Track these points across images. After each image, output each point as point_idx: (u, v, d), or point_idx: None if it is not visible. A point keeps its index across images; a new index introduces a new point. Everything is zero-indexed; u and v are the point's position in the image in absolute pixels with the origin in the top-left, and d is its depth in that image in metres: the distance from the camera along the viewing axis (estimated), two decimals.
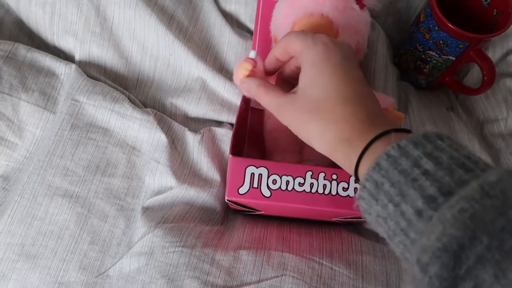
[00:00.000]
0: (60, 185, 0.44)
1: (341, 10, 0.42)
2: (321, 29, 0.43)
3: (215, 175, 0.46)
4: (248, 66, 0.39)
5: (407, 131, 0.28)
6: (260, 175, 0.36)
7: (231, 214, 0.48)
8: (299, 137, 0.33)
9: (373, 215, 0.27)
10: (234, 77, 0.42)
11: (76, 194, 0.44)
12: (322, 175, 0.37)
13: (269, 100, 0.35)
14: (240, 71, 0.40)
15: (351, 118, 0.30)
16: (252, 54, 0.39)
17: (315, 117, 0.31)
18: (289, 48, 0.35)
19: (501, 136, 0.50)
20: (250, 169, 0.37)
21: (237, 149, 0.46)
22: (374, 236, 0.45)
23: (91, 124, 0.46)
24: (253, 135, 0.49)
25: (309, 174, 0.37)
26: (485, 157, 0.48)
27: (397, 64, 0.56)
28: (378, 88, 0.51)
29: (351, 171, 0.30)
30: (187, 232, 0.41)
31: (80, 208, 0.43)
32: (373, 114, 0.30)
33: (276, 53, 0.37)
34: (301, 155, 0.45)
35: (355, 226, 0.47)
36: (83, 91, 0.47)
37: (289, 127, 0.34)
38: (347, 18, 0.42)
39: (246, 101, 0.47)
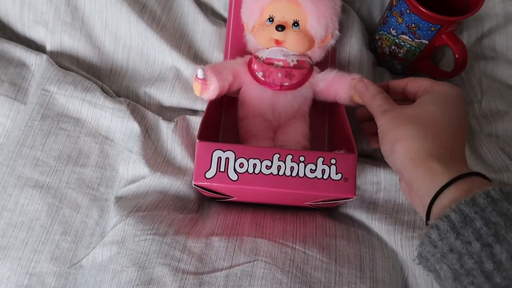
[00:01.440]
0: (30, 175, 0.43)
1: None
2: (289, 13, 0.43)
3: (189, 163, 0.46)
4: (197, 89, 0.42)
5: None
6: (227, 159, 0.36)
7: (206, 202, 0.47)
8: (387, 131, 0.35)
9: (442, 248, 0.27)
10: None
11: (47, 185, 0.43)
12: (289, 157, 0.36)
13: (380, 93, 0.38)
14: (195, 89, 0.42)
15: (453, 147, 0.32)
16: (200, 73, 0.40)
17: (419, 124, 0.33)
18: (416, 81, 0.39)
19: (475, 118, 0.50)
20: (217, 153, 0.36)
21: (211, 139, 0.46)
22: (349, 220, 0.45)
23: (62, 114, 0.46)
24: (229, 123, 0.49)
25: (276, 156, 0.36)
26: None
27: (373, 49, 0.56)
28: (353, 73, 0.50)
29: (428, 190, 0.30)
30: (159, 220, 0.41)
31: (52, 199, 0.43)
32: (465, 157, 0.34)
33: (395, 83, 0.41)
34: (274, 141, 0.45)
35: (331, 211, 0.47)
36: (53, 81, 0.46)
37: (381, 121, 0.36)
38: (315, 2, 0.42)
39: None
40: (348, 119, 0.43)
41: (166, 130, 0.47)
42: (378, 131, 0.36)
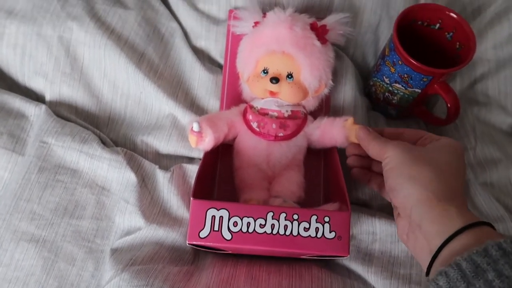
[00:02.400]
0: (26, 229, 0.43)
1: (302, 47, 0.43)
2: (283, 66, 0.44)
3: (185, 213, 0.46)
4: (193, 141, 0.43)
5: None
6: (221, 217, 0.36)
7: (202, 252, 0.47)
8: (400, 164, 0.35)
9: None
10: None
11: (43, 238, 0.43)
12: (283, 215, 0.37)
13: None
14: (190, 141, 0.43)
15: (462, 193, 0.34)
16: (195, 126, 0.41)
17: (436, 167, 0.34)
18: (414, 131, 0.41)
19: (470, 166, 0.51)
20: (211, 212, 0.37)
21: (206, 189, 0.46)
22: (345, 271, 0.45)
23: (59, 166, 0.46)
24: (225, 171, 0.49)
25: (270, 215, 0.37)
26: None
27: (367, 94, 0.56)
28: None
29: (440, 232, 0.31)
30: (154, 274, 0.41)
31: (47, 253, 0.43)
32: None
33: (391, 130, 0.43)
34: (269, 192, 0.45)
35: (327, 262, 0.46)
36: (51, 132, 0.47)
37: (390, 152, 0.36)
38: (308, 54, 0.43)
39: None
40: (341, 169, 0.43)
41: (163, 180, 0.47)
42: (385, 163, 0.36)
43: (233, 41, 0.53)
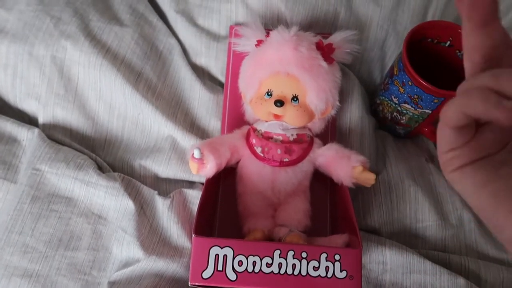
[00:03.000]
0: (18, 264, 0.41)
1: (308, 69, 0.41)
2: (288, 88, 0.42)
3: (185, 243, 0.44)
4: (194, 168, 0.41)
5: None
6: (225, 256, 0.34)
7: None
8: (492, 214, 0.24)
9: None
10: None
11: (37, 273, 0.41)
12: (291, 253, 0.34)
13: None
14: (191, 168, 0.41)
15: None
16: (196, 153, 0.39)
17: None
18: None
19: None
20: (214, 250, 0.34)
21: (207, 217, 0.44)
22: None
23: (53, 195, 0.44)
24: (227, 195, 0.47)
25: (277, 253, 0.34)
26: (467, 213, 0.46)
27: (374, 112, 0.54)
28: (354, 141, 0.49)
29: None
30: None
31: None
32: None
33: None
34: (274, 219, 0.43)
35: None
36: (44, 159, 0.45)
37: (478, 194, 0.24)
38: (314, 76, 0.41)
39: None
40: (350, 197, 0.41)
41: (162, 207, 0.45)
42: None
43: (234, 59, 0.51)
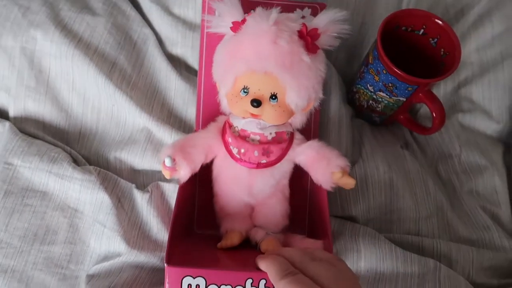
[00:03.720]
0: None
1: (288, 66, 0.36)
2: (266, 86, 0.38)
3: (165, 237, 0.44)
4: (167, 175, 0.38)
5: None
6: (198, 286, 0.34)
7: None
8: None
9: None
10: None
11: (12, 268, 0.41)
12: (263, 282, 0.34)
13: None
14: (164, 174, 0.39)
15: None
16: (167, 162, 0.37)
17: None
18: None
19: (455, 173, 0.50)
20: (186, 280, 0.34)
21: (186, 215, 0.43)
22: None
23: (27, 189, 0.43)
24: (205, 192, 0.46)
25: (249, 282, 0.34)
26: (440, 197, 0.47)
27: (350, 101, 0.55)
28: (332, 129, 0.49)
29: None
30: None
31: (17, 283, 0.40)
32: None
33: None
34: (251, 219, 0.43)
35: None
36: (17, 152, 0.44)
37: None
38: (295, 74, 0.37)
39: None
40: (327, 201, 0.40)
41: (141, 201, 0.45)
42: None
43: (208, 41, 0.46)
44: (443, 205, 0.47)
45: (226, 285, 0.34)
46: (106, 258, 0.43)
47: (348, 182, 0.38)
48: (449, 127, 0.52)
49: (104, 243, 0.43)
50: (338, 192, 0.47)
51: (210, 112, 0.47)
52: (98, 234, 0.43)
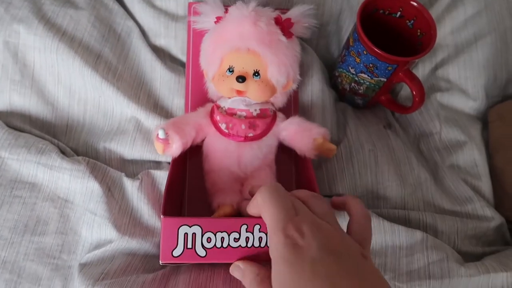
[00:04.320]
0: None
1: (268, 44, 0.42)
2: (249, 64, 0.42)
3: (157, 223, 0.44)
4: (159, 148, 0.41)
5: None
6: (194, 234, 0.35)
7: None
8: None
9: None
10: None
11: (3, 260, 0.40)
12: (257, 227, 0.35)
13: None
14: (157, 149, 0.41)
15: None
16: (161, 134, 0.39)
17: None
18: (263, 217, 0.30)
19: (436, 149, 0.52)
20: (183, 229, 0.35)
21: (176, 198, 0.44)
22: None
23: (15, 181, 0.43)
24: (195, 174, 0.48)
25: (244, 228, 0.35)
26: (423, 172, 0.49)
27: (333, 85, 0.56)
28: (316, 113, 0.51)
29: None
30: (128, 286, 0.39)
31: (9, 275, 0.40)
32: None
33: (252, 211, 0.33)
34: (241, 194, 0.44)
35: None
36: (4, 145, 0.44)
37: None
38: (274, 51, 0.42)
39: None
40: (312, 169, 0.42)
41: (131, 189, 0.45)
42: None
43: (195, 37, 0.51)
44: (427, 180, 0.48)
45: (221, 231, 0.35)
46: (98, 246, 0.43)
47: (329, 147, 0.42)
48: (428, 106, 0.54)
49: (96, 231, 0.43)
50: (325, 172, 0.49)
51: (198, 101, 0.48)
52: (89, 223, 0.43)
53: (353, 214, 0.33)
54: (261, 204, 0.30)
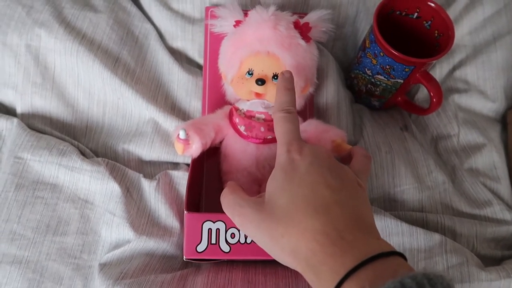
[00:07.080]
0: (7, 251, 0.41)
1: (287, 48, 0.42)
2: (268, 67, 0.42)
3: (174, 223, 0.45)
4: (179, 149, 0.41)
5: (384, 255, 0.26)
6: (218, 230, 0.35)
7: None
8: (266, 250, 0.32)
9: None
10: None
11: (26, 259, 0.41)
12: None
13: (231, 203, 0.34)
14: (177, 149, 0.42)
15: (322, 238, 0.28)
16: (182, 134, 0.39)
17: (284, 231, 0.29)
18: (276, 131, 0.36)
19: (454, 152, 0.51)
20: (207, 225, 0.35)
21: (194, 198, 0.45)
22: None
23: (37, 182, 0.44)
24: (212, 175, 0.48)
25: None
26: (441, 175, 0.48)
27: (349, 87, 0.56)
28: (332, 115, 0.51)
29: None
30: (147, 285, 0.40)
31: (32, 274, 0.41)
32: (348, 227, 0.28)
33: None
34: (259, 194, 0.44)
35: None
36: (26, 147, 0.44)
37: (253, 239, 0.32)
38: (293, 55, 0.42)
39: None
40: None
41: (149, 189, 0.45)
42: None
43: (212, 40, 0.51)
44: (445, 183, 0.48)
45: None
46: (117, 246, 0.43)
47: (347, 148, 0.42)
48: (446, 108, 0.53)
49: (114, 231, 0.44)
50: None
51: (215, 103, 0.49)
52: (109, 223, 0.44)
53: (354, 154, 0.38)
54: (276, 122, 0.36)
